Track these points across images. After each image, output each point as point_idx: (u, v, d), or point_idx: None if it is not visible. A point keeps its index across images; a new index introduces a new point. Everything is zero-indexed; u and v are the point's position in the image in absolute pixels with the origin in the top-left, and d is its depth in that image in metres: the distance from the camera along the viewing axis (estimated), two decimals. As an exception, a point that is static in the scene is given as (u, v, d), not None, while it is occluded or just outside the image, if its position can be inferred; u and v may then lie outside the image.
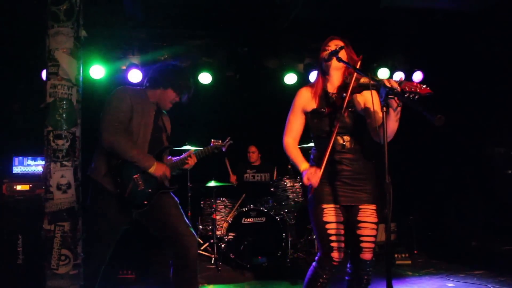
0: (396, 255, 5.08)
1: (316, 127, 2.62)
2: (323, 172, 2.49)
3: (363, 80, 2.45)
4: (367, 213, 2.55)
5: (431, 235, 6.07)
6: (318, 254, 2.57)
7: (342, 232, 2.51)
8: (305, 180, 2.48)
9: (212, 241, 5.39)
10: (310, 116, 2.64)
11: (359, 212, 2.56)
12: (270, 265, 4.94)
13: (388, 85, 2.20)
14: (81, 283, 2.67)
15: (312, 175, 2.45)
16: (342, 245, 2.49)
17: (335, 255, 2.48)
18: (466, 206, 6.07)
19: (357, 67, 2.48)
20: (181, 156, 3.25)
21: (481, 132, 5.90)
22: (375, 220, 2.55)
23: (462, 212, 6.09)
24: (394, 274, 3.48)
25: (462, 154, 6.17)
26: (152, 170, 2.91)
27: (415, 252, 5.52)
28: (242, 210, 5.14)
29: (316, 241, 2.53)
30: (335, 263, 2.49)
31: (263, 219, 5.08)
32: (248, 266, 4.89)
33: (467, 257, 5.18)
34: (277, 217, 5.07)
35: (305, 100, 2.65)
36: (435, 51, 5.82)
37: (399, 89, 2.18)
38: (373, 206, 2.57)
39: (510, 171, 5.63)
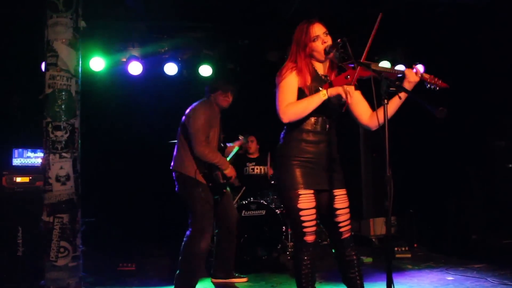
0: (396, 249, 5.09)
1: None
2: (298, 154, 2.56)
3: (374, 66, 2.46)
4: (342, 199, 2.61)
5: (431, 229, 6.07)
6: (294, 240, 2.64)
7: (315, 217, 2.55)
8: (345, 92, 2.36)
9: (212, 234, 5.38)
10: (307, 91, 2.56)
11: (335, 199, 2.60)
12: (270, 258, 4.94)
13: (413, 73, 2.46)
14: (80, 275, 2.67)
15: (351, 90, 2.39)
16: (315, 228, 2.55)
17: (308, 238, 2.54)
18: (466, 199, 6.06)
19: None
20: (236, 145, 4.58)
21: (482, 126, 5.88)
22: (348, 204, 2.63)
23: (462, 206, 6.08)
24: (394, 268, 3.47)
25: (462, 148, 6.15)
26: (227, 172, 3.81)
27: (415, 245, 5.52)
28: (242, 203, 5.14)
29: (289, 225, 2.58)
30: (310, 245, 2.56)
31: (263, 212, 5.07)
32: (248, 259, 4.89)
33: (467, 250, 5.18)
34: (277, 210, 5.06)
35: (297, 77, 2.57)
36: (437, 44, 5.79)
37: (417, 78, 2.47)
38: (345, 191, 2.64)
39: (510, 165, 5.62)
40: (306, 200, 2.52)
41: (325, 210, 2.64)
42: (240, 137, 4.75)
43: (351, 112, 2.68)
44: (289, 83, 2.56)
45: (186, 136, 3.85)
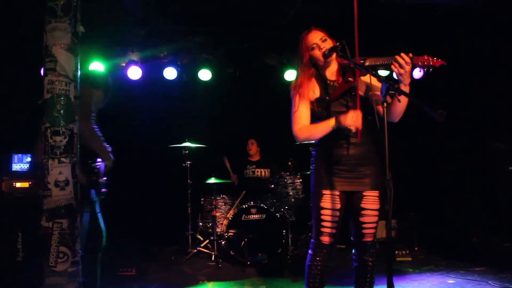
0: (396, 252, 5.07)
1: (320, 115, 2.62)
2: (326, 157, 2.59)
3: (369, 62, 2.45)
4: (371, 200, 2.61)
5: (431, 232, 6.06)
6: (312, 240, 2.64)
7: (336, 219, 2.57)
8: (352, 124, 2.41)
9: (212, 238, 5.38)
10: (313, 105, 2.64)
11: (363, 199, 2.61)
12: (270, 262, 4.93)
13: (400, 61, 2.30)
14: (80, 280, 2.66)
15: (357, 117, 2.41)
16: (333, 231, 2.57)
17: (324, 239, 2.58)
18: (467, 202, 6.05)
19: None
20: None
21: (481, 128, 5.88)
22: (378, 206, 2.61)
23: (463, 209, 6.07)
24: (394, 271, 3.46)
25: (462, 150, 6.14)
26: (108, 163, 3.50)
27: (416, 248, 5.51)
28: (242, 207, 5.13)
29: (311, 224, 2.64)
30: (324, 246, 2.58)
31: (264, 216, 5.07)
32: (249, 263, 4.89)
33: (467, 253, 5.17)
34: (277, 214, 5.06)
35: (300, 94, 2.65)
36: (435, 47, 5.79)
37: (407, 67, 2.31)
38: (376, 193, 2.61)
39: (510, 167, 5.61)
40: (329, 200, 2.56)
41: (353, 209, 2.65)
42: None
43: (373, 106, 2.66)
44: (297, 103, 2.65)
45: None
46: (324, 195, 2.58)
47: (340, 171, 2.59)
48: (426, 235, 5.86)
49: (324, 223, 2.56)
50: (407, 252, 5.12)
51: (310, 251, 2.65)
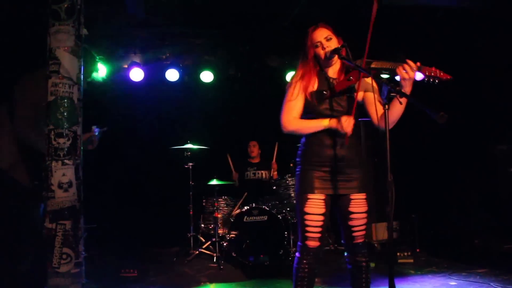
0: (398, 254, 5.07)
1: (313, 109, 2.61)
2: (313, 158, 2.58)
3: (375, 65, 2.47)
4: (358, 203, 2.60)
5: (433, 234, 6.06)
6: (298, 243, 2.65)
7: (322, 223, 2.56)
8: (346, 129, 2.43)
9: (214, 239, 5.39)
10: (308, 97, 2.62)
11: (351, 203, 2.60)
12: (272, 263, 4.93)
13: (406, 67, 2.36)
14: (83, 281, 2.67)
15: (349, 123, 2.43)
16: (318, 235, 2.56)
17: (309, 243, 2.57)
18: (469, 204, 6.05)
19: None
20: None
21: (483, 130, 5.88)
22: (366, 209, 2.62)
23: (465, 210, 6.07)
24: (396, 273, 3.47)
25: (464, 152, 6.15)
26: None
27: (418, 250, 5.50)
28: (244, 208, 5.14)
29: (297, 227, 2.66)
30: (310, 250, 2.58)
31: (265, 217, 5.07)
32: (250, 264, 4.89)
33: (469, 255, 5.16)
34: (279, 216, 5.06)
35: (301, 85, 2.64)
36: (436, 49, 5.81)
37: (412, 73, 2.35)
38: (364, 195, 2.62)
39: (512, 169, 5.61)
40: (313, 205, 2.54)
41: (341, 213, 2.64)
42: (93, 128, 3.49)
43: (367, 112, 2.69)
44: (293, 93, 2.63)
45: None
46: (309, 200, 2.55)
47: (327, 174, 2.57)
48: (428, 237, 5.86)
49: (309, 228, 2.55)
50: (409, 254, 5.12)
51: (297, 254, 2.64)
